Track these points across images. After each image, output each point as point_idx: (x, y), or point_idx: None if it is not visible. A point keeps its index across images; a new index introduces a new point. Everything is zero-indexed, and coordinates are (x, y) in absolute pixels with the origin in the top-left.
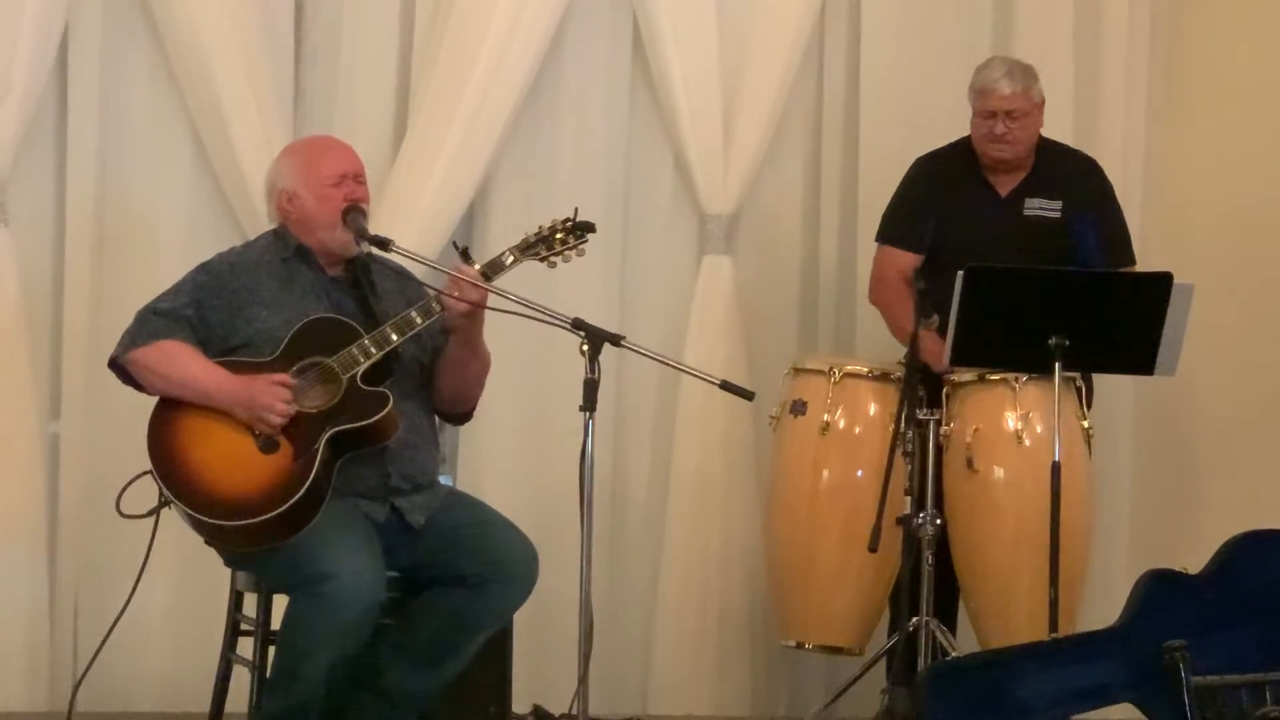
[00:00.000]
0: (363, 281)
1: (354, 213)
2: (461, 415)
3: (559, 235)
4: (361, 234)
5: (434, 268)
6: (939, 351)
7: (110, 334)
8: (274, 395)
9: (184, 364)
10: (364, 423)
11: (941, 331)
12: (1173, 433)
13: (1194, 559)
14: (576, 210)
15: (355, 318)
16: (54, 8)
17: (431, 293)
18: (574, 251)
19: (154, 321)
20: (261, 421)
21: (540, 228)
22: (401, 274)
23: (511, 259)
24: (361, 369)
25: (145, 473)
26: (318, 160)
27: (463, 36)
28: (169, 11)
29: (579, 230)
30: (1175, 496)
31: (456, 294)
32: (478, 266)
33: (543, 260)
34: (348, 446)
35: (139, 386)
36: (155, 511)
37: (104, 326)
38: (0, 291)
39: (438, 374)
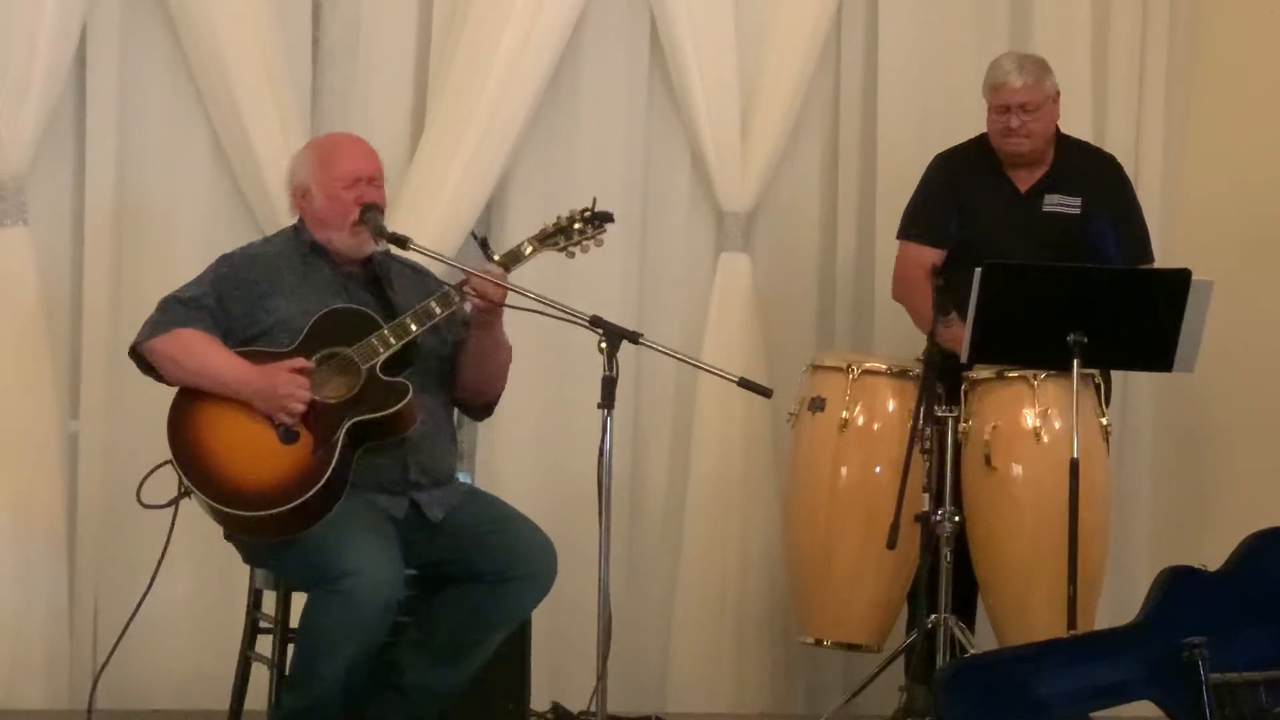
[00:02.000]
0: (380, 277)
1: (371, 211)
2: (484, 407)
3: (577, 225)
4: (380, 232)
5: (453, 265)
6: (962, 337)
7: (129, 332)
8: (293, 384)
9: (204, 354)
10: (384, 413)
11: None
12: (1193, 430)
13: (1214, 556)
14: (595, 200)
15: (373, 309)
16: (72, 6)
17: (451, 285)
18: (593, 241)
19: (176, 310)
20: (281, 411)
21: (559, 218)
22: (419, 271)
23: (530, 249)
24: (381, 359)
25: (166, 462)
26: (334, 160)
27: (480, 34)
28: (187, 10)
29: (597, 220)
30: (1195, 494)
31: (477, 292)
32: (496, 256)
33: (561, 250)
34: (367, 437)
35: (159, 376)
36: (175, 501)
37: (123, 324)
38: (20, 290)
39: (461, 367)
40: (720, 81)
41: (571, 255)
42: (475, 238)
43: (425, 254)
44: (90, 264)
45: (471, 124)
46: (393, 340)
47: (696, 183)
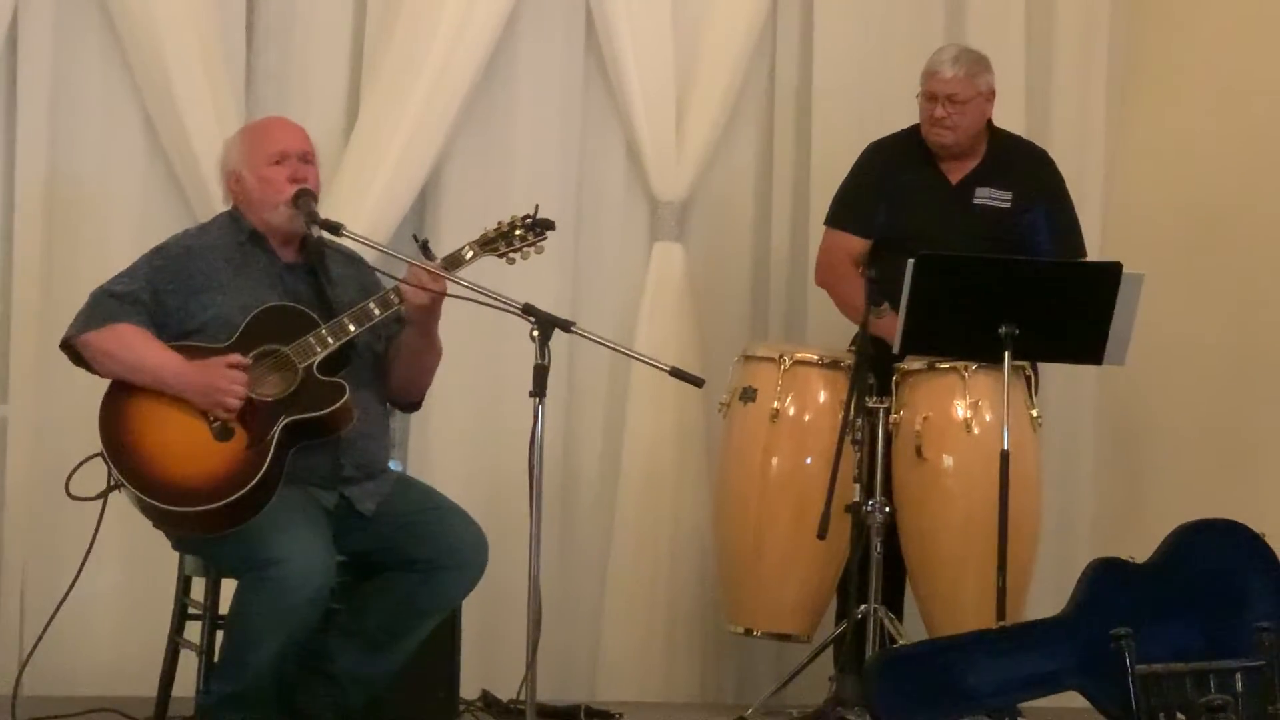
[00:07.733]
0: (317, 268)
1: (304, 196)
2: (412, 404)
3: (518, 232)
4: (312, 218)
5: (385, 253)
6: (894, 328)
7: (60, 316)
8: (230, 380)
9: (139, 348)
10: (319, 413)
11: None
12: (1132, 423)
13: (1152, 547)
14: (537, 208)
15: (310, 304)
16: None
17: (391, 284)
18: (533, 249)
19: (108, 304)
20: (218, 406)
21: (500, 224)
22: (354, 260)
23: (471, 254)
24: (318, 359)
25: (96, 454)
26: (261, 140)
27: (417, 20)
28: None
29: (538, 228)
30: (1133, 485)
31: (417, 286)
32: (437, 260)
33: (501, 256)
34: (302, 436)
35: (90, 368)
36: (104, 494)
37: (54, 309)
38: None
39: (391, 363)
40: (656, 70)
41: (511, 261)
42: (416, 240)
43: (357, 240)
44: (20, 247)
45: (407, 109)
46: (330, 340)
47: (631, 172)
